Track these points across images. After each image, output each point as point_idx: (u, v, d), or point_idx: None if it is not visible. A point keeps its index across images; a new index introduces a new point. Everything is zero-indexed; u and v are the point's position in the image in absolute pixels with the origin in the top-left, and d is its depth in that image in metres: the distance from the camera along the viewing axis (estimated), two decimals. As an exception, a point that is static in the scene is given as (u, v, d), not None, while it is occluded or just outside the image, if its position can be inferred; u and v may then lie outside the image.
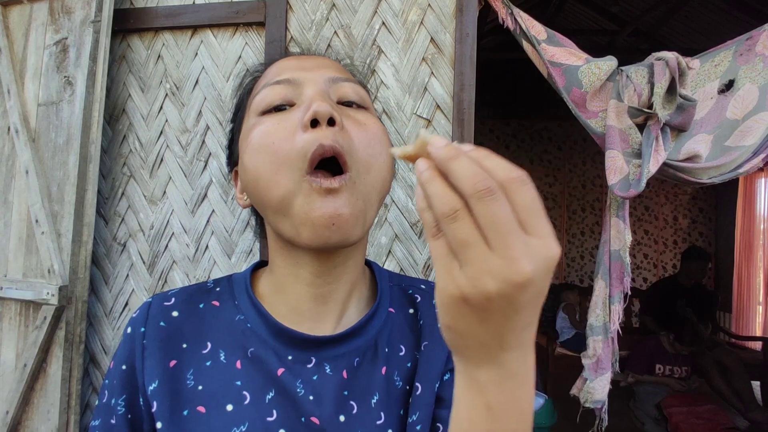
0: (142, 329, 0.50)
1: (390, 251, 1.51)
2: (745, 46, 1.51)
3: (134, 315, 0.52)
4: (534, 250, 0.29)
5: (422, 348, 0.53)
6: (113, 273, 1.67)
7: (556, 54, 1.56)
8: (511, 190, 0.28)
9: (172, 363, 0.48)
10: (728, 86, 1.55)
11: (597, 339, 1.52)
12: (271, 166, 0.46)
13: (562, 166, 5.59)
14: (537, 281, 0.29)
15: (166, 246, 1.63)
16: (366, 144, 0.47)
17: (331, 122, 0.45)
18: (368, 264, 0.60)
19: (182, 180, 1.63)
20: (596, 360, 1.54)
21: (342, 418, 0.48)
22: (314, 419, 0.47)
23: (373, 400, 0.49)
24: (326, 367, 0.49)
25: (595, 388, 1.50)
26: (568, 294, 4.01)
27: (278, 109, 0.49)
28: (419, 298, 0.57)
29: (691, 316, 3.40)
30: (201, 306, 0.53)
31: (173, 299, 0.52)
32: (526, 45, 1.60)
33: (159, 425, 0.46)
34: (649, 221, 5.45)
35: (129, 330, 0.50)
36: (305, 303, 0.52)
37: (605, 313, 1.52)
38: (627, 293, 1.64)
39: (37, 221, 1.53)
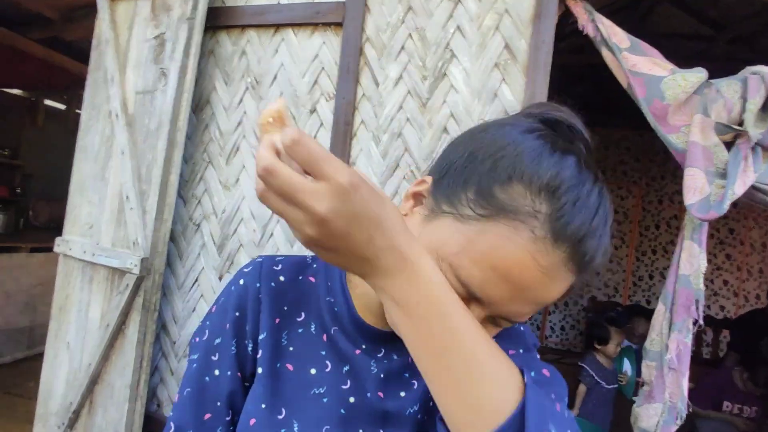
0: (258, 284, 0.56)
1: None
2: None
3: (246, 269, 0.58)
4: (322, 193, 0.33)
5: None
6: (187, 250, 1.81)
7: (638, 63, 1.48)
8: (290, 153, 0.33)
9: (277, 320, 0.56)
10: (837, 107, 1.39)
11: (651, 365, 1.44)
12: None
13: (639, 179, 5.26)
14: (341, 213, 0.34)
15: (235, 230, 1.75)
16: None
17: None
18: None
19: (254, 169, 1.73)
20: (650, 387, 1.46)
21: (402, 393, 0.54)
22: (380, 393, 0.54)
23: None
24: (394, 356, 0.55)
25: (641, 414, 1.42)
26: (637, 325, 3.21)
27: None
28: None
29: None
30: (300, 278, 0.59)
31: (280, 265, 0.59)
32: (605, 53, 1.53)
33: (259, 370, 0.54)
34: (732, 245, 5.00)
35: (242, 282, 0.57)
36: (374, 298, 0.55)
37: (662, 339, 1.43)
38: (698, 323, 1.52)
39: (127, 198, 1.70)
